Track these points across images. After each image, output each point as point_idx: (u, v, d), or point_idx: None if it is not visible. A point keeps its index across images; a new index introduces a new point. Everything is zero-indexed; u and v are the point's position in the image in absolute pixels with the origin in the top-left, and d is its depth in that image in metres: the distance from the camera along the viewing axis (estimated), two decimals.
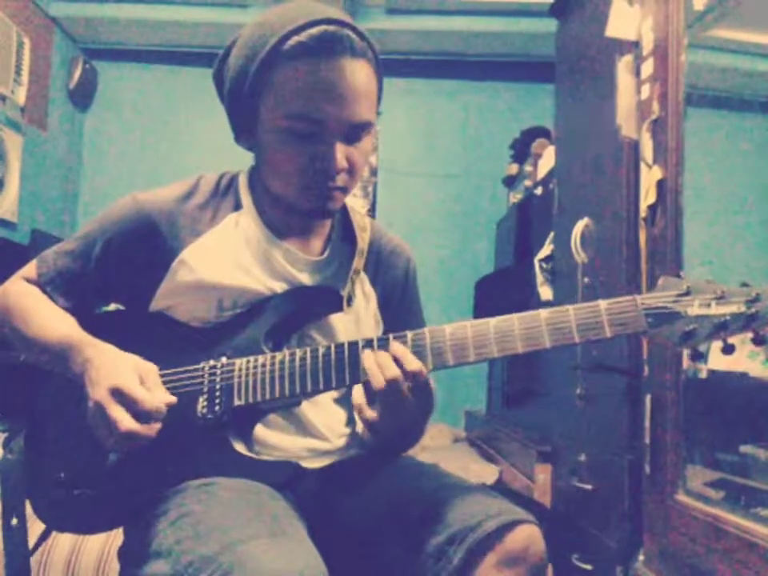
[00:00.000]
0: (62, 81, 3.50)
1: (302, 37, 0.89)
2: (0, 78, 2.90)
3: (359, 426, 1.12)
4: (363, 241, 1.08)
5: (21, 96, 3.08)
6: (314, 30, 0.89)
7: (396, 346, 0.88)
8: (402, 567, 0.89)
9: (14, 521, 1.00)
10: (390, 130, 3.58)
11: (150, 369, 0.91)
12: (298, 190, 0.96)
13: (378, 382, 0.86)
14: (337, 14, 0.92)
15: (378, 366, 0.87)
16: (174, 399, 0.89)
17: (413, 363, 0.86)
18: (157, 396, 0.87)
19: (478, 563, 0.84)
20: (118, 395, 0.85)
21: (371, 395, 0.91)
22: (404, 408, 0.88)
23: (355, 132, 0.94)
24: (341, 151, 0.93)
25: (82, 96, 3.62)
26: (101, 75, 3.71)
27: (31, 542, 1.06)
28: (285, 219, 1.03)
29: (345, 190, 0.98)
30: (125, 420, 0.84)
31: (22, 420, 1.02)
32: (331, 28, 0.89)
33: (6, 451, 1.02)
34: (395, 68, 3.50)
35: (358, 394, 0.94)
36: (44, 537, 1.06)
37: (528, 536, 0.86)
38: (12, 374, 1.01)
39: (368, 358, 0.88)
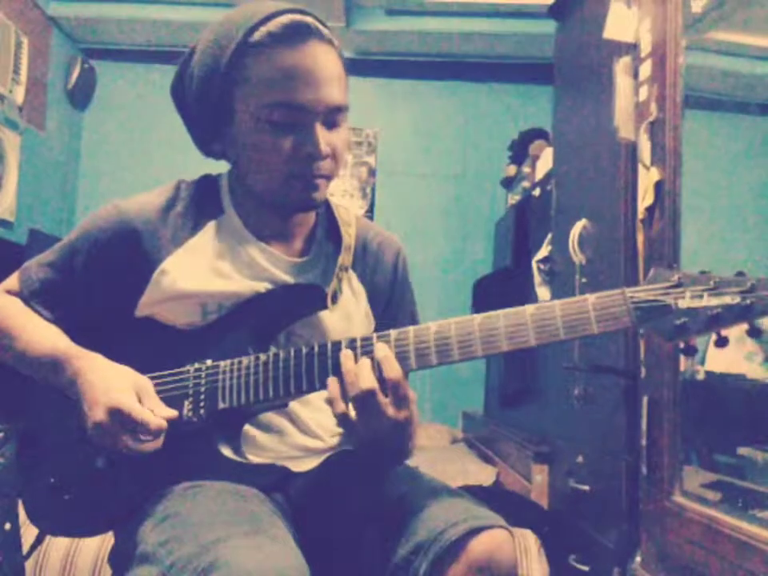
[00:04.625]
0: (61, 80, 3.49)
1: (270, 26, 0.90)
2: None
3: None
4: (349, 236, 1.06)
5: (19, 95, 3.07)
6: (282, 19, 0.91)
7: (380, 349, 0.85)
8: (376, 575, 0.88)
9: (7, 525, 0.99)
10: (389, 131, 3.56)
11: (146, 384, 0.90)
12: (283, 181, 0.95)
13: (354, 390, 0.83)
14: (297, 8, 0.94)
15: (355, 375, 0.84)
16: (175, 413, 0.89)
17: (392, 370, 0.83)
18: (157, 413, 0.87)
19: (443, 574, 0.82)
20: (118, 415, 0.85)
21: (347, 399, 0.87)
22: (380, 418, 0.84)
23: (333, 116, 0.94)
24: (323, 135, 0.92)
25: (81, 96, 3.61)
26: (99, 75, 3.71)
27: (25, 547, 1.05)
28: (266, 221, 1.02)
29: (328, 178, 0.97)
30: (128, 443, 0.85)
31: (15, 423, 1.01)
32: (296, 16, 0.91)
33: None
34: (394, 69, 3.45)
35: (333, 386, 0.88)
36: (38, 542, 1.05)
37: (493, 542, 0.83)
38: (5, 377, 1.00)
39: (346, 362, 0.85)
